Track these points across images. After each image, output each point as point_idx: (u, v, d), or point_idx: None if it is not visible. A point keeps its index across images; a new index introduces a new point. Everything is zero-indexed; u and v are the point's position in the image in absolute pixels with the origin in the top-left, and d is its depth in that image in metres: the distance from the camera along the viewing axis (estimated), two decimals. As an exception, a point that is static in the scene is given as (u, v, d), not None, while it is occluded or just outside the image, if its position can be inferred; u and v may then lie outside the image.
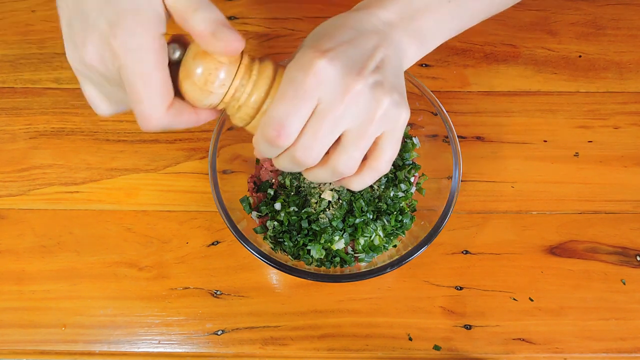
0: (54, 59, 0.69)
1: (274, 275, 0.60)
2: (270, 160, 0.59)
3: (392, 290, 0.59)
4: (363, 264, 0.56)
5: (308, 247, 0.54)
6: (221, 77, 0.37)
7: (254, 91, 0.38)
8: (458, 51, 0.70)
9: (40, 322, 0.58)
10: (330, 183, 0.56)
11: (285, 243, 0.55)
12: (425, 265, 0.60)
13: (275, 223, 0.56)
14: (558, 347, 0.57)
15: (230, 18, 0.72)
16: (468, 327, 0.58)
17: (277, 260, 0.52)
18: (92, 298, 0.59)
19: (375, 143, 0.40)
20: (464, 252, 0.61)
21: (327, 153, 0.39)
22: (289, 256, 0.56)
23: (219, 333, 0.58)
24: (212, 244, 0.61)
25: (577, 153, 0.65)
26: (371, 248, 0.56)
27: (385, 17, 0.42)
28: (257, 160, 0.61)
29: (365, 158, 0.40)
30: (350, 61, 0.37)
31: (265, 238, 0.57)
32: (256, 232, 0.57)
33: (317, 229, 0.54)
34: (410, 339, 0.58)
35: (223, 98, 0.38)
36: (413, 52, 0.44)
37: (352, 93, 0.37)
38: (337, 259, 0.55)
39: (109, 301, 0.59)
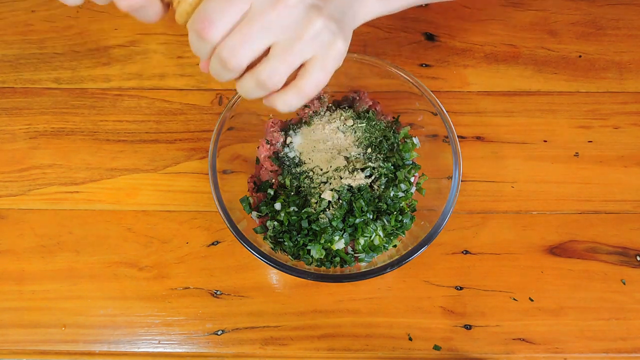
0: (54, 59, 0.69)
1: (274, 275, 0.60)
2: (270, 160, 0.59)
3: (392, 290, 0.59)
4: (363, 264, 0.56)
5: (308, 247, 0.54)
6: None
7: None
8: (458, 51, 0.70)
9: (40, 322, 0.58)
10: (330, 183, 0.56)
11: (285, 243, 0.55)
12: (425, 265, 0.60)
13: (275, 223, 0.56)
14: (558, 347, 0.57)
15: (230, 18, 0.72)
16: (468, 327, 0.58)
17: (277, 260, 0.52)
18: (92, 298, 0.59)
19: (303, 65, 0.41)
20: (464, 252, 0.61)
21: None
22: (289, 256, 0.56)
23: (219, 333, 0.58)
24: (212, 244, 0.61)
25: (577, 153, 0.65)
26: (371, 248, 0.56)
27: None
28: (257, 160, 0.61)
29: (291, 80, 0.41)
30: None
31: (265, 238, 0.57)
32: (256, 232, 0.57)
33: (317, 229, 0.54)
34: (410, 339, 0.58)
35: None
36: (372, 5, 0.44)
37: (285, 4, 0.38)
38: (337, 259, 0.55)
39: (109, 301, 0.59)
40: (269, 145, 0.59)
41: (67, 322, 0.58)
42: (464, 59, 0.70)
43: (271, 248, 0.56)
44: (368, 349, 0.57)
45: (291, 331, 0.58)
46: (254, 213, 0.58)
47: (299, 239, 0.55)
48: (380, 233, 0.55)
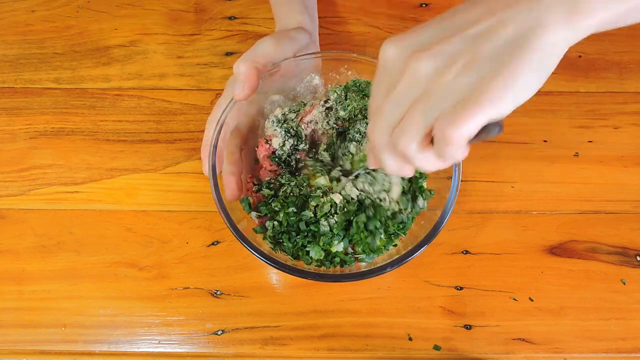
0: (54, 59, 0.69)
1: (274, 275, 0.60)
2: (269, 160, 0.59)
3: (392, 290, 0.59)
4: (363, 264, 0.56)
5: (307, 249, 0.54)
6: None
7: None
8: (458, 51, 0.70)
9: (40, 322, 0.58)
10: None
11: (284, 244, 0.55)
12: (425, 265, 0.60)
13: (275, 223, 0.56)
14: (558, 347, 0.57)
15: (230, 18, 0.72)
16: (468, 327, 0.58)
17: (277, 260, 0.52)
18: (92, 298, 0.59)
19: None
20: (464, 252, 0.61)
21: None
22: (289, 256, 0.55)
23: (219, 333, 0.58)
24: (212, 244, 0.61)
25: (577, 153, 0.65)
26: (372, 249, 0.55)
27: None
28: (257, 160, 0.61)
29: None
30: (445, 58, 0.37)
31: (264, 238, 0.57)
32: (256, 232, 0.57)
33: (316, 229, 0.54)
34: (410, 339, 0.58)
35: None
36: (559, 33, 0.34)
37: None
38: (337, 259, 0.55)
39: (109, 301, 0.59)
40: (268, 145, 0.59)
41: (67, 322, 0.58)
42: (464, 59, 0.70)
43: (271, 248, 0.56)
44: (368, 349, 0.57)
45: (291, 331, 0.58)
46: (254, 213, 0.58)
47: (297, 240, 0.54)
48: (382, 235, 0.55)
